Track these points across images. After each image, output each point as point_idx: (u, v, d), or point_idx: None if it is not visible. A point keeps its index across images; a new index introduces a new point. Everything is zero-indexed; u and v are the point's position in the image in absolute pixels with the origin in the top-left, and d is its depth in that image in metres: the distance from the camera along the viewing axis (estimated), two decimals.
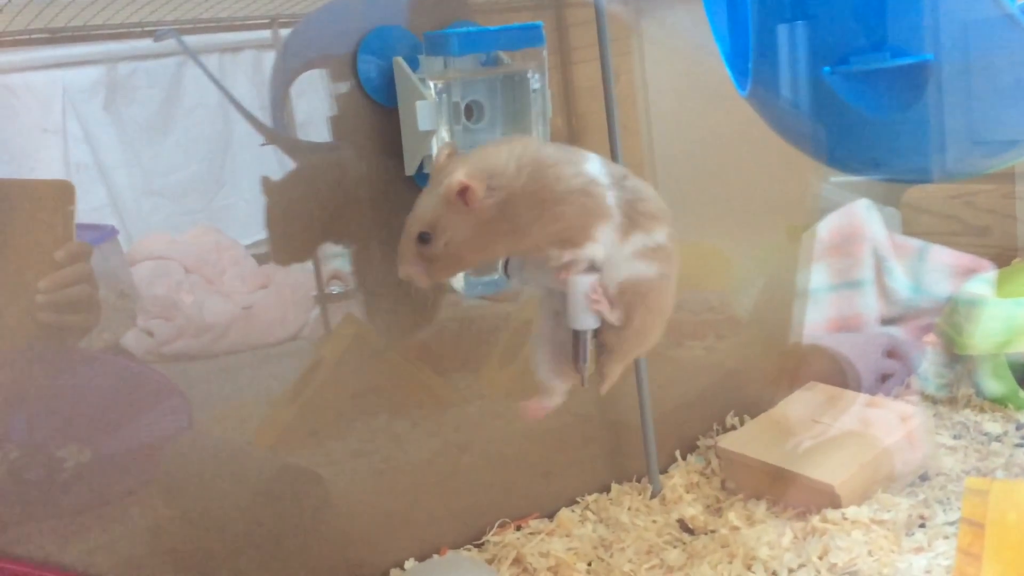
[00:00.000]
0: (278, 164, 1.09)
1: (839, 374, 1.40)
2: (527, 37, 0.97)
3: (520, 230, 0.79)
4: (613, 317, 0.83)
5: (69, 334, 0.90)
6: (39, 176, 0.91)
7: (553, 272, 0.82)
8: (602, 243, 0.80)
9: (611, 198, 0.80)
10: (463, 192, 0.77)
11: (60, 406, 0.92)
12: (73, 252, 0.87)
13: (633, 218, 0.81)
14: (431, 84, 0.96)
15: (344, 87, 1.02)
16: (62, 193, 0.88)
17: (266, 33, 1.06)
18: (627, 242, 0.81)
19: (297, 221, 1.07)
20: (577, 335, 0.89)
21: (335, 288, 1.13)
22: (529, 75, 0.97)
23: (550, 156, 0.79)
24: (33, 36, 0.94)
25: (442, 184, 0.78)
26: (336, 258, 1.13)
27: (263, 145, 1.05)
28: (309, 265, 1.13)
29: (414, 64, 0.99)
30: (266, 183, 1.03)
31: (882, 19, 0.93)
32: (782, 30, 0.99)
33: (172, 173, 1.03)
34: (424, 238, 0.79)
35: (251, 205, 1.09)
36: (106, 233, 0.98)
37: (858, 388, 1.36)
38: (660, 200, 0.83)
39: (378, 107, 1.02)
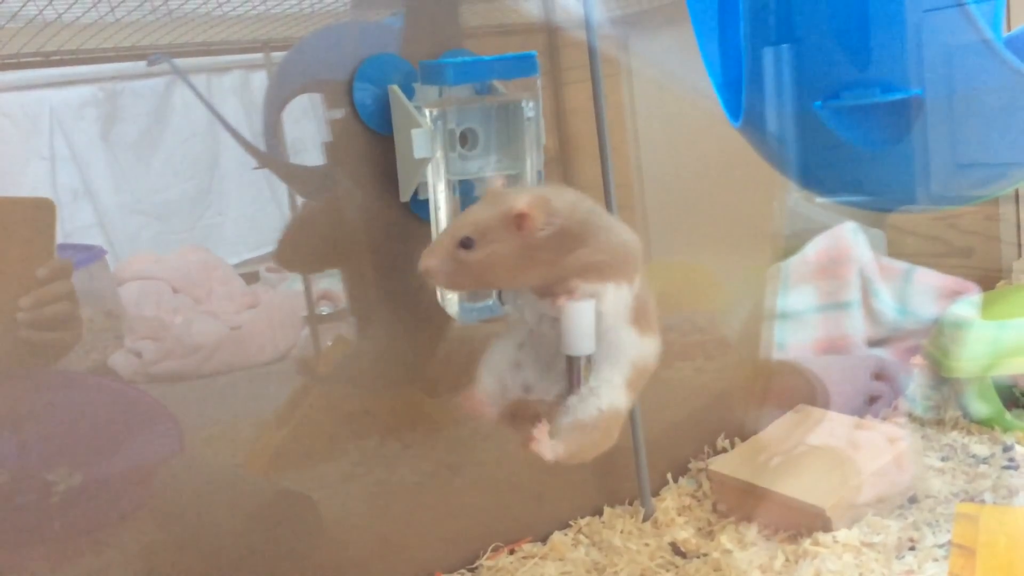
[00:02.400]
0: (268, 186, 1.09)
1: (811, 391, 1.41)
2: (521, 67, 0.97)
3: (559, 260, 0.80)
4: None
5: (51, 351, 0.90)
6: (25, 195, 0.91)
7: (549, 299, 0.83)
8: (616, 293, 0.81)
9: (641, 276, 0.82)
10: (521, 218, 0.78)
11: (51, 429, 0.92)
12: (54, 269, 0.87)
13: (646, 318, 0.83)
14: (426, 112, 0.96)
15: (339, 113, 1.03)
16: (43, 211, 0.88)
17: (256, 54, 1.07)
18: (642, 333, 0.84)
19: (290, 243, 1.07)
20: (571, 361, 0.90)
21: (325, 308, 1.13)
22: (523, 104, 0.98)
23: (604, 213, 0.82)
24: (23, 60, 0.94)
25: (504, 203, 0.79)
26: (327, 279, 1.13)
27: (256, 168, 1.05)
28: (299, 285, 1.13)
29: (409, 92, 1.00)
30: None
31: (871, 53, 0.95)
32: (773, 64, 1.01)
33: (160, 193, 1.03)
34: (466, 243, 0.79)
35: (239, 225, 1.09)
36: (94, 254, 0.98)
37: (826, 405, 1.37)
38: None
39: (373, 134, 1.03)
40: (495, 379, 0.87)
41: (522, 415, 0.86)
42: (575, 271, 0.80)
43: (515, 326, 0.88)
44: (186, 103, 1.01)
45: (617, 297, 0.81)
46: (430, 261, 0.79)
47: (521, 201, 0.77)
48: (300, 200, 1.08)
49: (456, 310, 1.01)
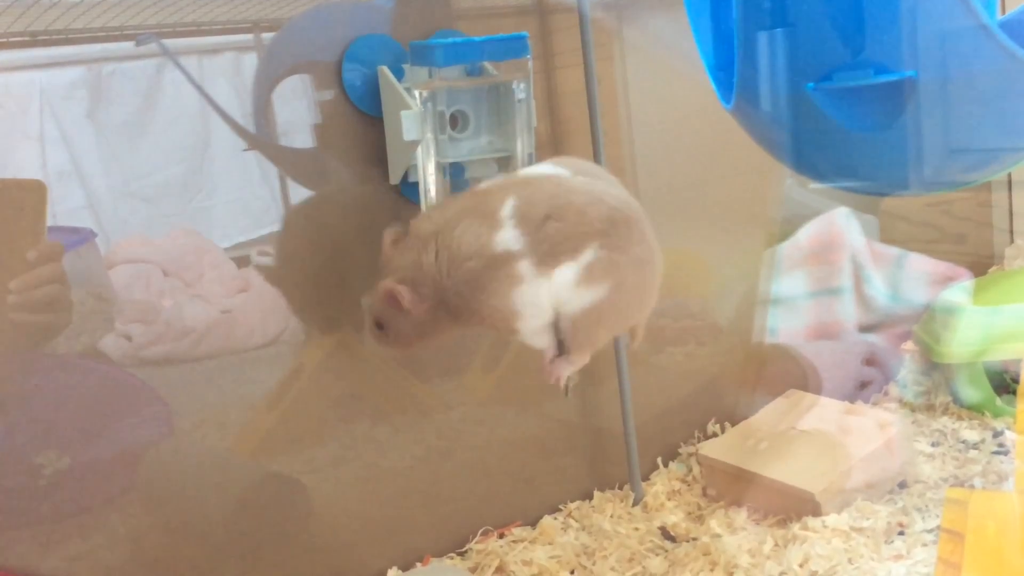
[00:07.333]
0: (259, 169, 1.09)
1: (803, 377, 1.41)
2: (513, 48, 0.97)
3: (459, 320, 0.83)
4: (578, 362, 0.86)
5: (42, 334, 0.90)
6: (14, 176, 0.90)
7: None
8: (530, 311, 0.82)
9: (523, 266, 0.81)
10: (393, 300, 0.81)
11: (39, 412, 0.92)
12: (44, 252, 0.87)
13: (555, 255, 0.81)
14: (416, 94, 0.96)
15: (328, 95, 1.02)
16: (34, 193, 0.87)
17: (246, 35, 1.06)
18: (559, 275, 0.82)
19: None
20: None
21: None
22: (514, 85, 0.97)
23: (463, 247, 0.81)
24: (12, 40, 0.94)
25: (378, 287, 0.82)
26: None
27: (246, 150, 1.05)
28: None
29: (399, 73, 0.99)
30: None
31: (865, 35, 0.94)
32: (767, 46, 1.00)
33: (150, 175, 1.02)
34: (380, 325, 0.85)
35: (229, 208, 1.08)
36: (84, 236, 0.97)
37: (817, 391, 1.37)
38: (595, 208, 0.82)
39: (362, 115, 1.02)
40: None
41: None
42: (486, 327, 0.84)
43: None
44: (176, 85, 1.00)
45: (532, 299, 0.82)
46: (383, 351, 0.89)
47: (384, 283, 0.81)
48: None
49: None
